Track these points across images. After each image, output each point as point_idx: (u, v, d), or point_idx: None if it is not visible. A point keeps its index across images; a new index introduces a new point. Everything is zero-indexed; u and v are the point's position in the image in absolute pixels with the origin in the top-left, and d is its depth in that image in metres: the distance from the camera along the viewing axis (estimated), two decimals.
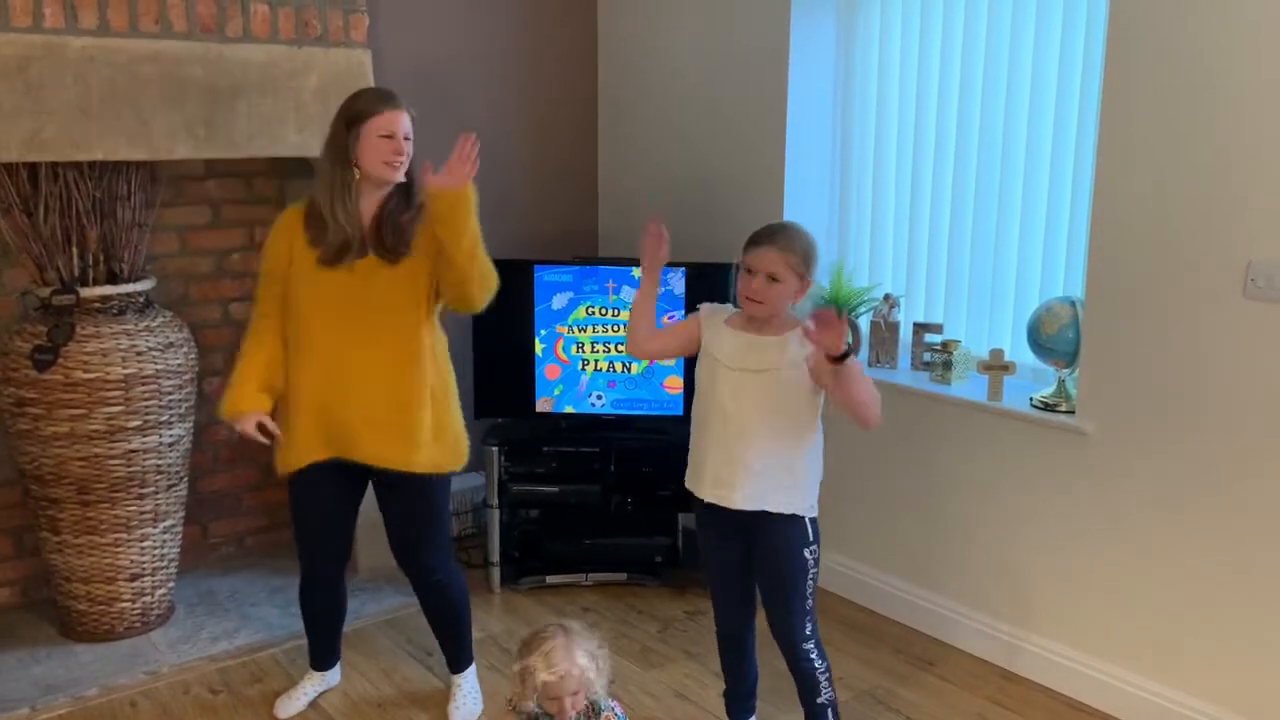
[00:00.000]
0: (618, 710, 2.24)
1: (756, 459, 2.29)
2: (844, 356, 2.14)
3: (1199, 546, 2.59)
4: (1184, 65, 2.46)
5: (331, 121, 2.49)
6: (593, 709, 2.20)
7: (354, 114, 2.45)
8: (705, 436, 2.37)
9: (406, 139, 2.46)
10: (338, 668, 2.92)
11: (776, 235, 2.30)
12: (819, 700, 2.41)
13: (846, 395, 2.21)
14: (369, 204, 2.49)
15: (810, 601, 2.37)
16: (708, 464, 2.36)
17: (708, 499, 2.37)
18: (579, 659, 2.14)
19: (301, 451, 2.54)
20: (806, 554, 2.34)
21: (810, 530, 2.35)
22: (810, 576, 2.36)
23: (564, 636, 2.16)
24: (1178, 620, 2.66)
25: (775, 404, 2.29)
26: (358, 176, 2.44)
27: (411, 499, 2.61)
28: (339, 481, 2.59)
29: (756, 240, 2.31)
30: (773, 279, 2.26)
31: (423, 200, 2.46)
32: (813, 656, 2.39)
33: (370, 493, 2.67)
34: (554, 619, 3.28)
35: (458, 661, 2.82)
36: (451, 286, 2.49)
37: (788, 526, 2.32)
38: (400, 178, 2.48)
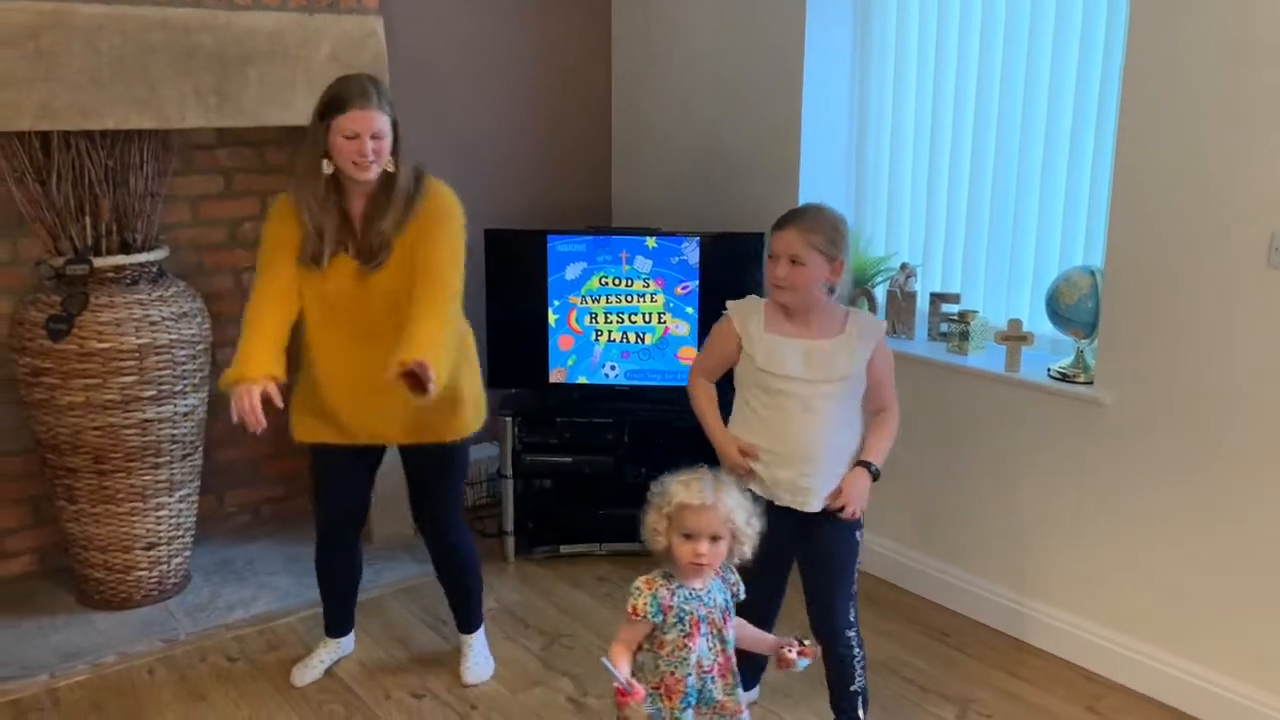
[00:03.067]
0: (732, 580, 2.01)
1: (834, 463, 2.30)
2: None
3: (1217, 519, 2.56)
4: (1207, 33, 2.41)
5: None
6: (735, 588, 2.01)
7: (325, 106, 2.37)
8: (782, 445, 2.29)
9: (376, 138, 2.34)
10: (352, 635, 2.94)
11: (797, 216, 2.26)
12: (851, 688, 2.40)
13: None
14: (356, 201, 2.44)
15: (855, 586, 2.37)
16: (782, 475, 2.30)
17: (785, 504, 2.31)
18: (726, 497, 1.91)
19: (323, 431, 2.58)
20: (858, 535, 2.35)
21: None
22: (857, 560, 2.37)
23: (711, 476, 1.96)
24: (1194, 593, 2.64)
25: (846, 407, 2.29)
26: (330, 170, 2.38)
27: (439, 463, 2.65)
28: (360, 449, 2.62)
29: (778, 223, 2.27)
30: (795, 261, 2.22)
31: (408, 201, 2.42)
32: (853, 644, 2.38)
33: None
34: (568, 589, 3.33)
35: (469, 622, 2.84)
36: None
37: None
38: (370, 177, 2.38)
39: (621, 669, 1.89)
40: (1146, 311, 2.62)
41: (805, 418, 2.27)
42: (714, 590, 1.99)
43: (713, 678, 1.98)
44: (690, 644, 1.94)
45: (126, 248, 3.01)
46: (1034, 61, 2.97)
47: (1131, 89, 2.58)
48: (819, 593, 2.38)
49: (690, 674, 1.94)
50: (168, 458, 3.06)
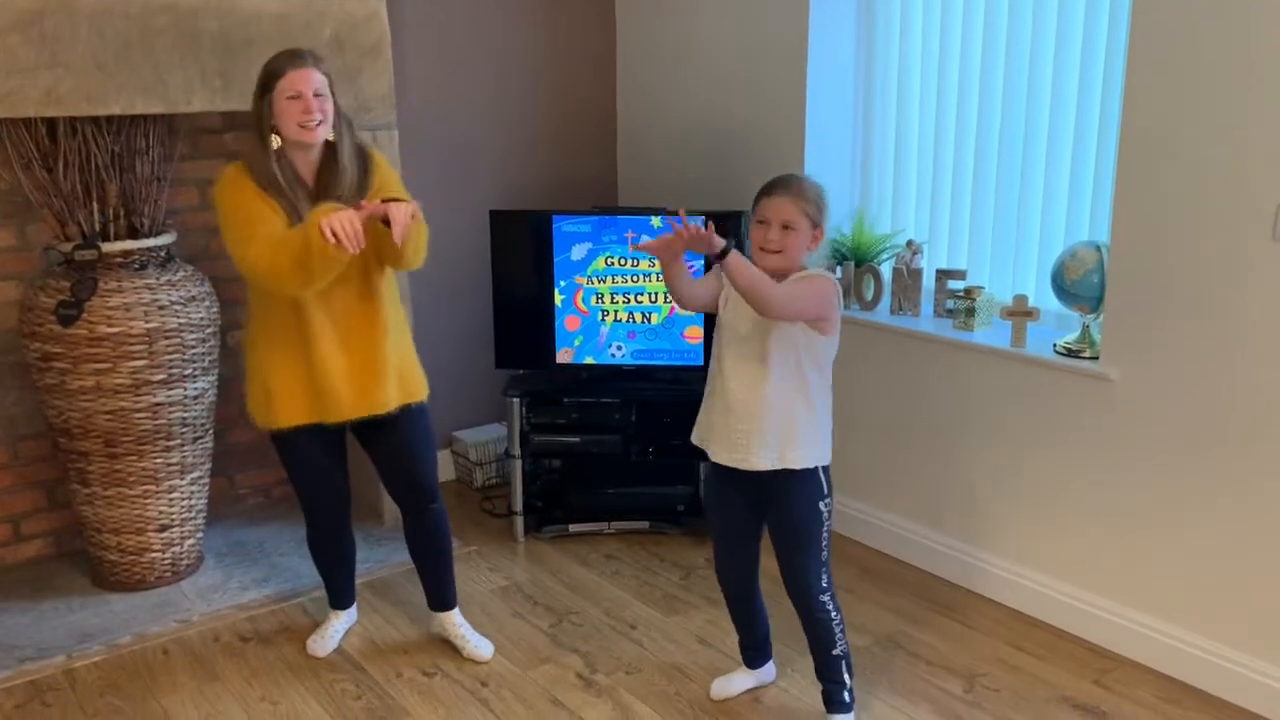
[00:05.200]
0: None
1: (763, 420, 2.28)
2: (722, 255, 2.13)
3: (1224, 492, 2.57)
4: (1212, 4, 2.40)
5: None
6: None
7: (263, 79, 2.41)
8: (713, 398, 2.37)
9: (318, 96, 2.39)
10: (355, 605, 3.00)
11: (790, 183, 2.29)
12: (834, 653, 2.42)
13: (736, 287, 2.19)
14: (304, 168, 2.47)
15: (826, 553, 2.38)
16: (716, 426, 2.36)
17: (722, 462, 2.36)
18: None
19: (295, 412, 2.55)
20: (821, 506, 2.34)
21: (825, 483, 2.34)
22: (825, 528, 2.36)
23: None
24: (1201, 566, 2.64)
25: (772, 362, 2.27)
26: (278, 144, 2.41)
27: (424, 423, 2.69)
28: (325, 431, 2.62)
29: (768, 190, 2.29)
30: (787, 227, 2.25)
31: (360, 166, 2.50)
32: (829, 608, 2.39)
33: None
34: (577, 567, 3.35)
35: (453, 593, 2.87)
36: (386, 261, 2.52)
37: (802, 481, 2.31)
38: (318, 139, 2.42)
39: None
40: (1152, 285, 2.62)
41: (732, 369, 2.30)
42: None
43: None
44: None
45: (134, 232, 3.03)
46: (1039, 34, 2.95)
47: (1135, 64, 2.56)
48: (785, 561, 2.40)
49: None
50: (179, 441, 3.08)
